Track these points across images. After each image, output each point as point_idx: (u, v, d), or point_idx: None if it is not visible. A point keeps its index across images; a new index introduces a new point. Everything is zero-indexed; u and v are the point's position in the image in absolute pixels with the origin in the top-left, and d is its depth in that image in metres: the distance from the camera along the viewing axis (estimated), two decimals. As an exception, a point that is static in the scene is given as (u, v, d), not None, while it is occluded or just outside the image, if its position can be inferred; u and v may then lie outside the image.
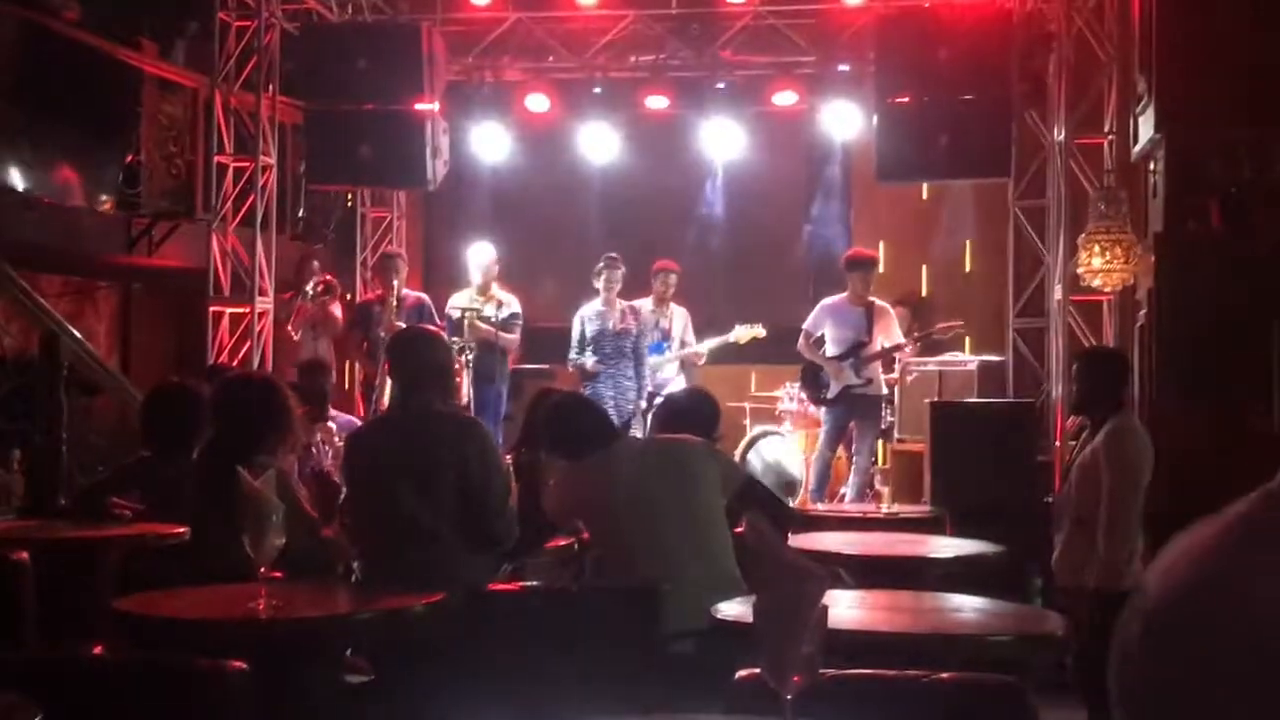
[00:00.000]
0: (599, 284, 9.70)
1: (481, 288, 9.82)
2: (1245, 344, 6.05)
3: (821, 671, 2.13)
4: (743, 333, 9.88)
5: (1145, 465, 5.23)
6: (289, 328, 9.89)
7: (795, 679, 2.02)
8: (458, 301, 9.83)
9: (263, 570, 3.60)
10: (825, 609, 2.04)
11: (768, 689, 2.09)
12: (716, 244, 11.73)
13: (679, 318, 9.93)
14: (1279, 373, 6.25)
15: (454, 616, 3.93)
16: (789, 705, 2.04)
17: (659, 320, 9.96)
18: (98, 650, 3.68)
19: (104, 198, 9.96)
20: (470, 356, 9.52)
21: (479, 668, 3.88)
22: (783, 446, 10.18)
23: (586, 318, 9.73)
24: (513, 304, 9.92)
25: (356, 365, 10.74)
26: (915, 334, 9.65)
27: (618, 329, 9.68)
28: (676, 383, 9.73)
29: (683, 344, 9.92)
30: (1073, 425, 7.52)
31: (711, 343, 9.93)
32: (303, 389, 7.41)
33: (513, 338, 9.84)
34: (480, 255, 9.90)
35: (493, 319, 9.72)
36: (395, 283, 9.88)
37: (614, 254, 9.79)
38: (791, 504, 8.00)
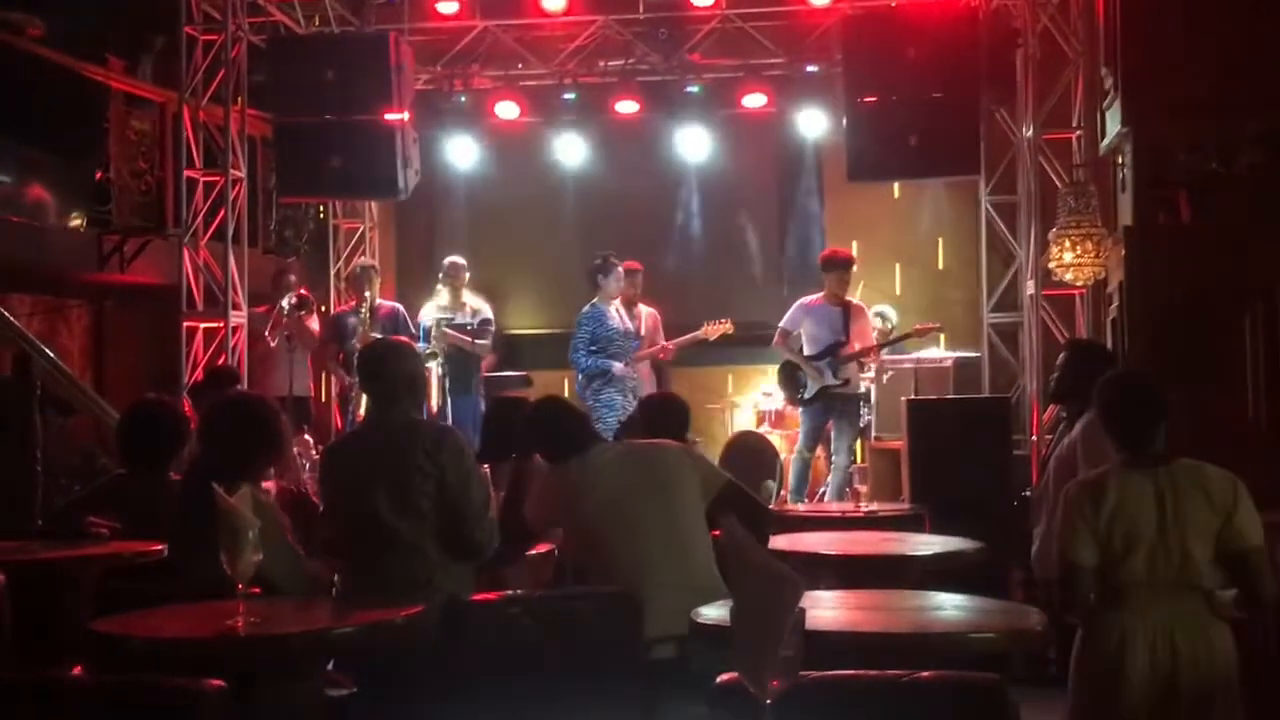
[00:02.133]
0: (607, 283, 9.55)
1: (452, 294, 9.84)
2: (1216, 334, 6.08)
3: (803, 673, 2.13)
4: (711, 329, 9.86)
5: (1121, 458, 5.24)
6: (266, 334, 9.84)
7: (774, 683, 2.02)
8: (429, 311, 9.85)
9: (240, 587, 3.58)
10: (803, 612, 2.04)
11: (748, 692, 2.09)
12: (690, 247, 11.75)
13: (647, 318, 9.90)
14: (1252, 363, 6.29)
15: (434, 627, 3.93)
16: (768, 709, 2.04)
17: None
18: (76, 671, 3.65)
19: (74, 215, 9.91)
20: (441, 366, 9.53)
21: (461, 677, 3.87)
22: (761, 447, 10.19)
23: (594, 318, 9.55)
24: (484, 310, 9.94)
25: (333, 377, 10.71)
26: (892, 335, 9.67)
27: (625, 330, 9.62)
28: (649, 384, 9.70)
29: (653, 345, 9.89)
30: (1049, 418, 7.56)
31: (680, 340, 9.89)
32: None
33: (485, 344, 9.85)
34: (448, 263, 9.94)
35: (467, 326, 9.73)
36: (369, 294, 9.88)
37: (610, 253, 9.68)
38: (771, 505, 8.01)
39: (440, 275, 9.99)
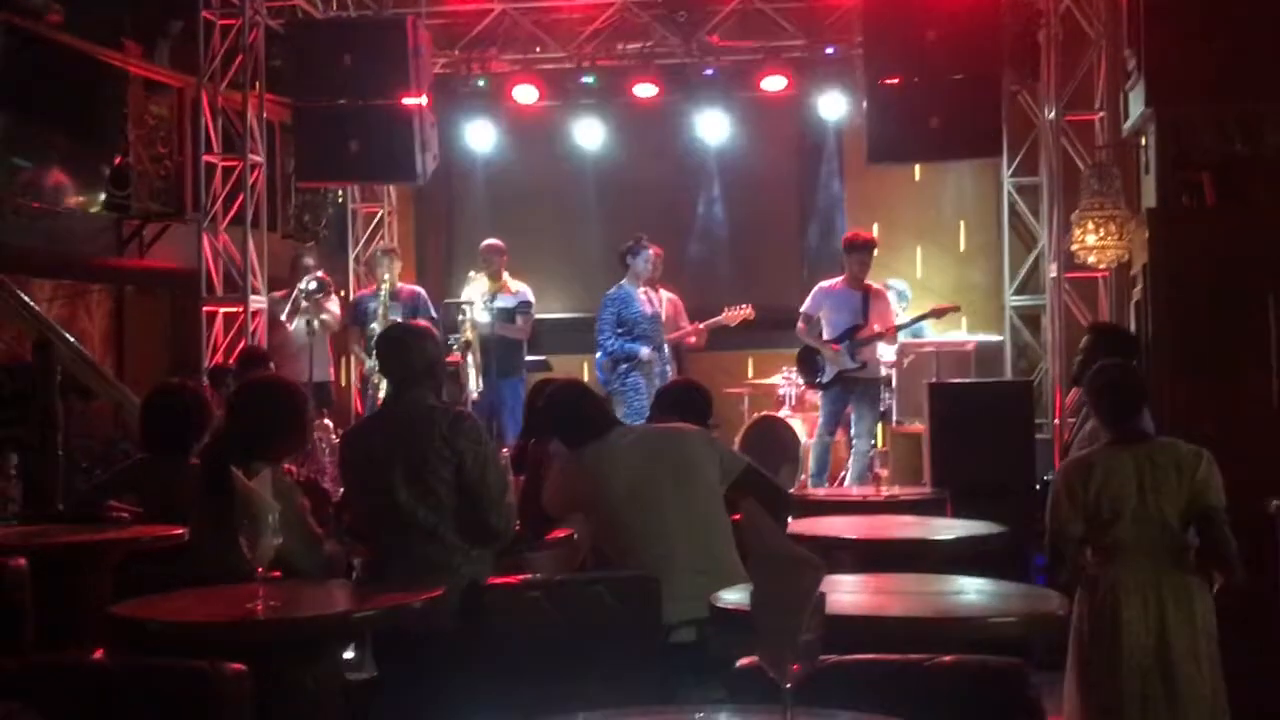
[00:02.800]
0: (636, 264, 9.46)
1: (492, 276, 9.79)
2: (1241, 317, 6.03)
3: (823, 657, 2.11)
4: (731, 314, 9.82)
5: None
6: (283, 318, 9.86)
7: (794, 667, 2.01)
8: (470, 292, 9.79)
9: (260, 571, 3.58)
10: (823, 596, 2.03)
11: (768, 676, 2.08)
12: (709, 230, 11.72)
13: (667, 303, 9.86)
14: (1276, 345, 6.24)
15: (454, 611, 3.92)
16: (788, 694, 2.03)
17: None
18: (97, 655, 3.66)
19: (93, 200, 9.93)
20: (478, 353, 9.50)
21: (480, 661, 3.87)
22: (781, 432, 10.17)
23: (621, 300, 9.47)
24: (524, 293, 9.89)
25: (354, 360, 10.73)
26: (909, 317, 9.59)
27: (653, 313, 9.56)
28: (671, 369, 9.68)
29: (676, 329, 9.85)
30: (1071, 402, 7.52)
31: (701, 325, 9.83)
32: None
33: (518, 327, 9.80)
34: (487, 246, 9.88)
35: (501, 309, 9.68)
36: (388, 277, 9.88)
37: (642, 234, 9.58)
38: (791, 489, 8.00)
39: (480, 259, 9.91)
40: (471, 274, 9.85)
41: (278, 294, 9.96)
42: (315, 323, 9.67)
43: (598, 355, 9.99)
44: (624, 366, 9.38)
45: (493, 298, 9.72)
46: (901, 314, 9.68)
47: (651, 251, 9.51)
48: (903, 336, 9.42)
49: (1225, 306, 5.97)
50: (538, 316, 10.33)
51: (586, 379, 9.30)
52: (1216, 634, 4.42)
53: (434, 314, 9.84)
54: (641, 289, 9.52)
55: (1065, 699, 4.56)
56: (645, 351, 9.38)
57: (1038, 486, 7.40)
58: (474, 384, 9.65)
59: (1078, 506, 4.46)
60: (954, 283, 11.01)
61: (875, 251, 9.29)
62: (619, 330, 9.40)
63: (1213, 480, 4.42)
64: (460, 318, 9.69)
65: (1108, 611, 4.37)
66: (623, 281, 9.52)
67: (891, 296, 9.70)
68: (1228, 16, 6.55)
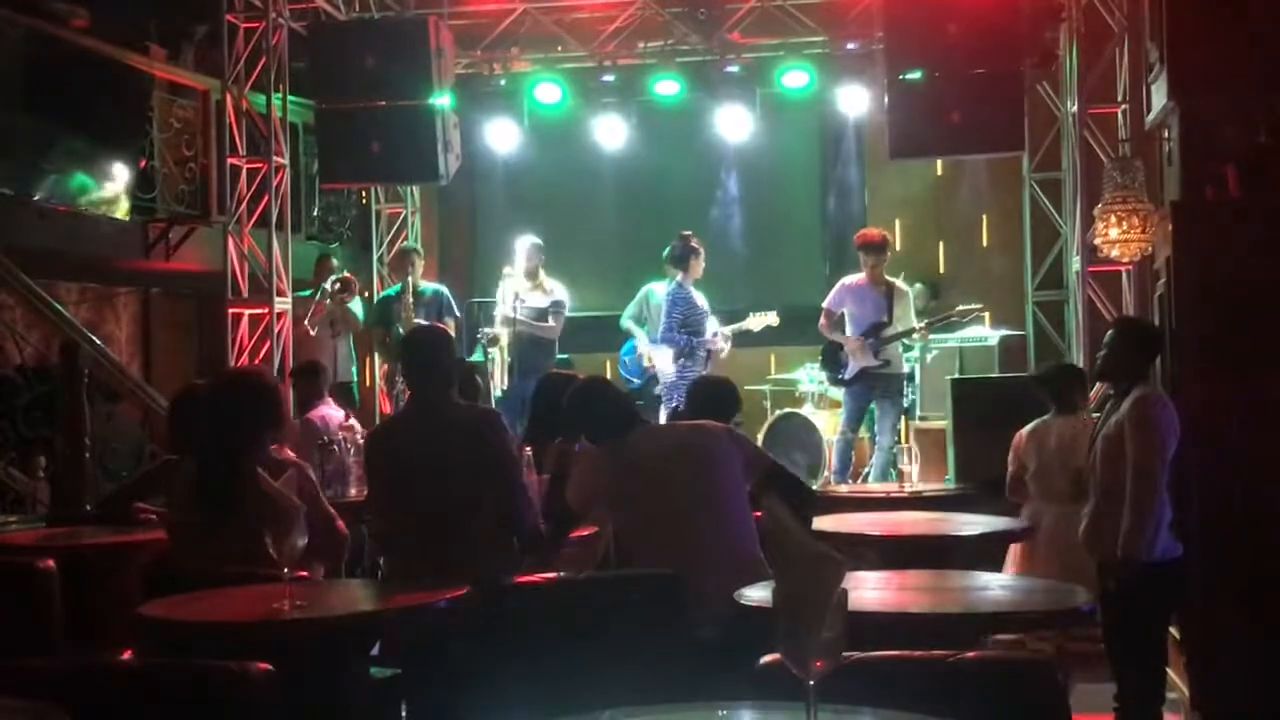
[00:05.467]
0: (697, 264, 9.46)
1: (529, 273, 9.79)
2: (1266, 311, 5.98)
3: (847, 654, 2.12)
4: (756, 320, 9.82)
5: (1171, 436, 5.20)
6: (306, 324, 9.92)
7: (818, 664, 2.01)
8: (505, 290, 9.79)
9: (286, 570, 3.61)
10: (845, 593, 2.03)
11: (792, 674, 2.09)
12: (731, 227, 11.72)
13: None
14: (1301, 339, 6.19)
15: (479, 609, 3.94)
16: (812, 691, 2.04)
17: None
18: (126, 656, 3.69)
19: (119, 203, 9.99)
20: (508, 351, 9.52)
21: (505, 659, 3.88)
22: (804, 428, 10.16)
23: (685, 300, 9.46)
24: (558, 291, 9.88)
25: (378, 360, 10.77)
26: (931, 318, 9.52)
27: (706, 310, 9.59)
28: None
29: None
30: (1096, 396, 7.48)
31: (727, 331, 9.84)
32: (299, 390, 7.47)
33: (549, 325, 9.79)
34: (525, 244, 9.87)
35: (535, 308, 9.70)
36: (411, 276, 9.91)
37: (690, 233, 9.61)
38: (814, 486, 7.99)
39: (520, 255, 9.90)
40: (507, 270, 9.85)
41: (302, 294, 10.01)
42: (338, 324, 9.72)
43: (622, 351, 10.01)
44: (685, 361, 9.40)
45: (527, 296, 9.73)
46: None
47: (702, 251, 9.55)
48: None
49: (1249, 300, 5.93)
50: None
51: (609, 377, 9.30)
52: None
53: (457, 313, 9.86)
54: (690, 282, 9.55)
55: None
56: (719, 340, 9.47)
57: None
58: (500, 381, 9.68)
59: (1028, 455, 6.25)
60: (977, 277, 10.98)
61: (888, 250, 9.23)
62: (684, 330, 9.43)
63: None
64: (494, 313, 9.72)
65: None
66: (680, 279, 9.48)
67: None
68: (1251, 7, 6.50)
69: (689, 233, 9.56)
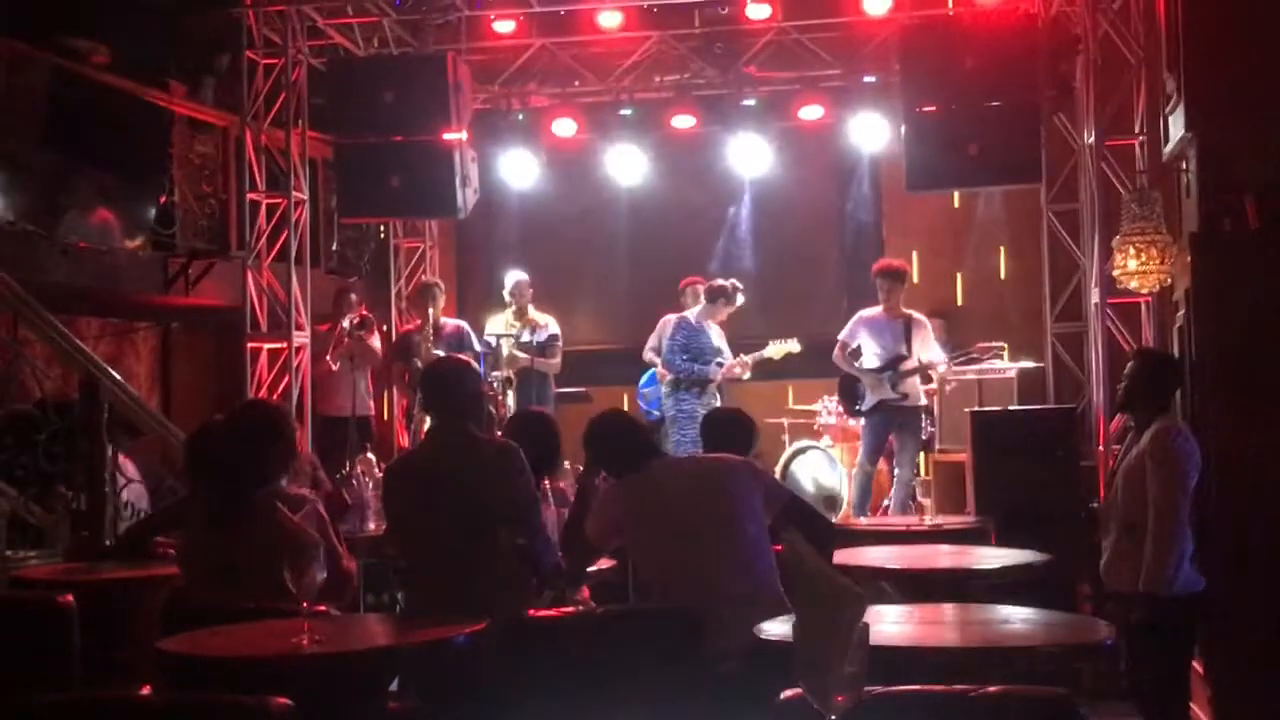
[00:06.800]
0: (727, 309, 9.61)
1: (518, 312, 9.89)
2: (1286, 342, 5.96)
3: (868, 689, 2.10)
4: (777, 349, 9.82)
5: (1192, 468, 5.18)
6: (328, 358, 9.95)
7: (839, 699, 2.00)
8: (494, 327, 9.90)
9: (305, 605, 3.61)
10: (866, 627, 2.02)
11: (813, 709, 2.07)
12: (748, 260, 11.73)
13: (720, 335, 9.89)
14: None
15: (498, 643, 3.93)
16: (833, 726, 2.03)
17: None
18: (145, 691, 3.69)
19: (139, 239, 10.04)
20: (511, 383, 9.58)
21: (524, 694, 3.87)
22: (823, 461, 10.14)
23: (693, 331, 9.59)
24: (550, 325, 9.97)
25: (397, 395, 10.79)
26: (950, 358, 9.52)
27: (717, 347, 9.68)
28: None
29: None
30: (1116, 429, 7.45)
31: (747, 358, 9.86)
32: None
33: (554, 361, 9.88)
34: (513, 280, 9.99)
35: (530, 343, 9.78)
36: (432, 311, 9.95)
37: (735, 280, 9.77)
38: (833, 519, 7.96)
39: (505, 293, 10.06)
40: (508, 304, 9.99)
41: (321, 328, 10.04)
42: (357, 359, 9.75)
43: (640, 384, 10.01)
44: (682, 391, 9.42)
45: (522, 332, 9.83)
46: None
47: (740, 298, 9.57)
48: (942, 367, 9.39)
49: (1269, 331, 5.91)
50: (577, 348, 10.39)
51: (627, 409, 9.31)
52: None
53: (477, 348, 9.89)
54: (712, 325, 9.60)
55: None
56: (717, 371, 9.50)
57: (1082, 514, 7.34)
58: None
59: None
60: (994, 310, 10.96)
61: (905, 280, 9.25)
62: (685, 357, 9.46)
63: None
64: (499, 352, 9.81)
65: None
66: (692, 312, 9.61)
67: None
68: (1269, 38, 6.50)
69: (734, 281, 9.67)
